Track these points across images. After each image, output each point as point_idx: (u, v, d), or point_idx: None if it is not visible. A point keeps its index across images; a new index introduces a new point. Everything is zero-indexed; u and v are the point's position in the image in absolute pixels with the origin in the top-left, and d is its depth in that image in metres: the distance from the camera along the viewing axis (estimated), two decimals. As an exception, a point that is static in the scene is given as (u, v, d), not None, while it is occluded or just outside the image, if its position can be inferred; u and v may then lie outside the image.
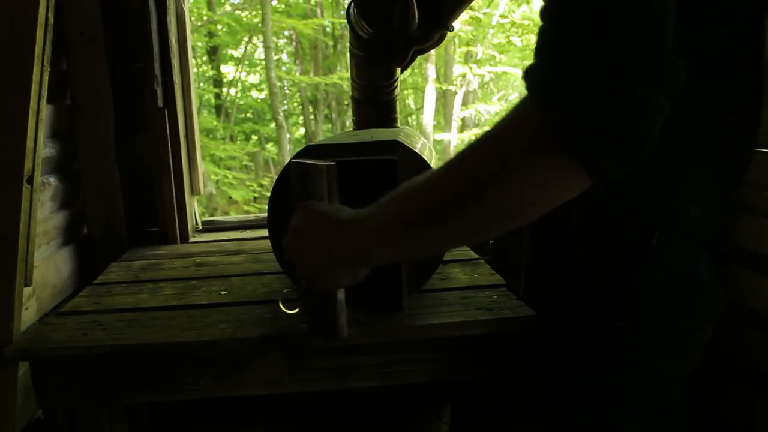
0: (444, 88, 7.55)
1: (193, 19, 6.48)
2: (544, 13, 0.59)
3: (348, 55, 1.37)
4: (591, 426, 0.88)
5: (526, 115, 0.58)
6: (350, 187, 0.84)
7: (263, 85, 7.81)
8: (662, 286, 0.81)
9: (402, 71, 1.36)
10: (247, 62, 7.81)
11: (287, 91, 8.21)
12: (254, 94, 8.08)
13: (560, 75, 0.55)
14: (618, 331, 0.84)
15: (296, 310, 0.90)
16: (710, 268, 0.83)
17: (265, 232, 1.56)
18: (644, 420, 0.85)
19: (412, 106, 9.46)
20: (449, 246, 0.66)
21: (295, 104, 8.57)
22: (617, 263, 0.83)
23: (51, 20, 1.24)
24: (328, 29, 7.65)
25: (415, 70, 8.69)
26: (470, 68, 7.22)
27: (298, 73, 8.06)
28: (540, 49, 0.59)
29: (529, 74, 0.58)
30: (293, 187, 0.83)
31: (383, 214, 0.67)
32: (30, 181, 1.17)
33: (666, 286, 0.81)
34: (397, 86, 1.39)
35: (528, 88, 0.58)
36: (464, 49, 7.41)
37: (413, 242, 0.66)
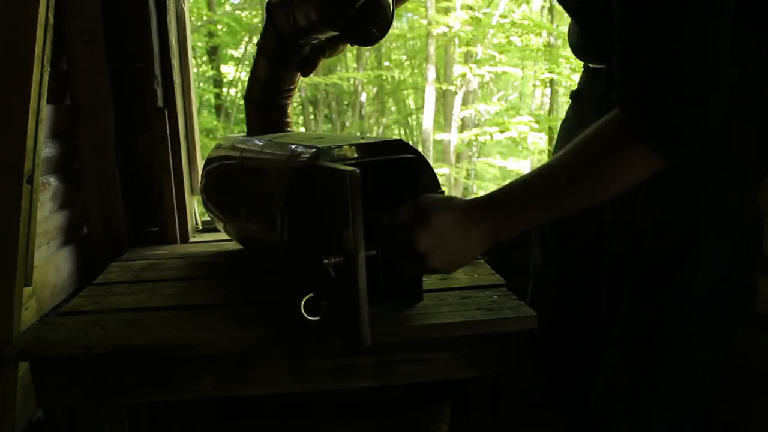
0: (444, 88, 7.56)
1: (193, 19, 6.48)
2: (620, 37, 0.75)
3: (255, 55, 1.34)
4: (626, 420, 0.89)
5: (619, 127, 0.77)
6: (372, 187, 0.86)
7: (263, 85, 7.79)
8: (707, 281, 0.85)
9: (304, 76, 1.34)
10: (247, 62, 7.83)
11: (287, 91, 8.21)
12: (254, 94, 8.07)
13: (642, 101, 0.74)
14: (662, 324, 0.87)
15: (318, 317, 0.88)
16: (745, 262, 0.88)
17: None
18: (676, 413, 0.88)
19: (413, 106, 9.47)
20: (564, 213, 0.87)
21: (295, 104, 8.57)
22: (663, 259, 0.86)
23: (51, 20, 1.24)
24: (328, 29, 7.63)
25: (416, 70, 8.69)
26: (470, 68, 7.23)
27: (298, 73, 8.05)
28: (624, 74, 0.76)
29: (621, 99, 0.77)
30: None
31: (510, 201, 0.86)
32: (30, 181, 1.17)
33: (710, 281, 0.85)
34: (294, 92, 1.37)
35: (620, 108, 0.77)
36: (464, 49, 7.42)
37: (538, 217, 0.90)
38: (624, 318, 0.90)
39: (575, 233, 1.05)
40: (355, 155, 0.97)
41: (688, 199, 0.85)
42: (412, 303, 1.01)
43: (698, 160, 0.80)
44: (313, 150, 0.97)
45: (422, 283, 1.02)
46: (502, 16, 7.11)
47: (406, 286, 1.00)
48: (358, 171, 0.81)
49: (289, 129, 1.37)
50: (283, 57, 1.27)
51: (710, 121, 0.74)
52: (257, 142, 1.27)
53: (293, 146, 1.06)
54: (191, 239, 1.67)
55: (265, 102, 1.34)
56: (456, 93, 7.59)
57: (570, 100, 1.19)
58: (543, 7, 7.95)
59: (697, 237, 0.83)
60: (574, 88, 1.15)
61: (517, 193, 0.86)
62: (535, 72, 8.19)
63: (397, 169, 0.95)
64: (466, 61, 7.44)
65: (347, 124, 8.65)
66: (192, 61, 1.71)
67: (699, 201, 0.84)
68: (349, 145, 0.98)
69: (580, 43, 1.05)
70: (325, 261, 0.84)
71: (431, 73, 7.31)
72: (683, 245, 0.84)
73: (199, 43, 7.08)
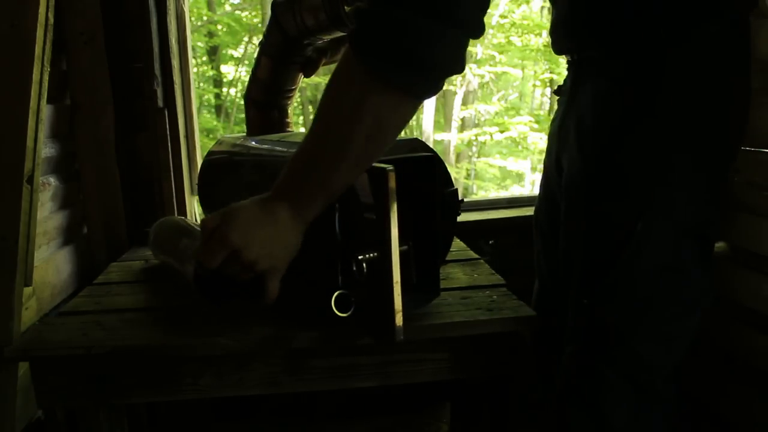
0: (444, 87, 7.54)
1: (193, 19, 6.48)
2: None
3: (257, 54, 1.33)
4: (579, 413, 0.89)
5: (349, 63, 0.72)
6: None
7: (263, 85, 7.78)
8: (646, 272, 0.83)
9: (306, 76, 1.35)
10: (247, 62, 7.81)
11: (287, 91, 8.20)
12: (254, 94, 8.05)
13: (368, 17, 0.69)
14: (603, 316, 0.86)
15: (349, 314, 0.88)
16: (694, 255, 0.85)
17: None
18: (631, 406, 0.87)
19: (412, 106, 9.40)
20: (349, 163, 0.79)
21: (295, 104, 8.56)
22: (605, 250, 0.86)
23: (51, 20, 1.24)
24: (328, 29, 7.62)
25: (415, 70, 8.67)
26: (470, 68, 7.21)
27: (298, 73, 8.04)
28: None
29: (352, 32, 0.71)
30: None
31: (294, 173, 0.81)
32: (30, 181, 1.17)
33: (650, 271, 0.83)
34: (295, 93, 1.37)
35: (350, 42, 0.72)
36: (464, 49, 7.40)
37: (330, 179, 0.79)
38: (572, 312, 0.90)
39: (557, 231, 1.03)
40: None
41: (630, 190, 0.84)
42: (429, 298, 1.01)
43: (640, 148, 0.80)
44: None
45: (440, 279, 1.01)
46: (502, 16, 7.11)
47: (425, 282, 1.00)
48: (393, 168, 0.81)
49: (289, 129, 1.37)
50: (286, 57, 1.27)
51: (445, 45, 0.69)
52: (267, 141, 1.26)
53: None
54: (191, 239, 1.67)
55: (266, 102, 1.34)
56: (456, 93, 7.59)
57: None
58: (543, 8, 7.94)
59: (634, 227, 0.82)
60: None
61: (297, 163, 0.81)
62: (535, 72, 8.19)
63: (414, 167, 0.95)
64: (466, 61, 7.42)
65: (347, 124, 8.63)
66: (192, 61, 1.71)
67: (640, 192, 0.83)
68: None
69: (553, 36, 1.04)
70: (360, 257, 0.84)
71: (431, 73, 7.29)
72: (624, 238, 0.83)
73: (199, 43, 7.07)
